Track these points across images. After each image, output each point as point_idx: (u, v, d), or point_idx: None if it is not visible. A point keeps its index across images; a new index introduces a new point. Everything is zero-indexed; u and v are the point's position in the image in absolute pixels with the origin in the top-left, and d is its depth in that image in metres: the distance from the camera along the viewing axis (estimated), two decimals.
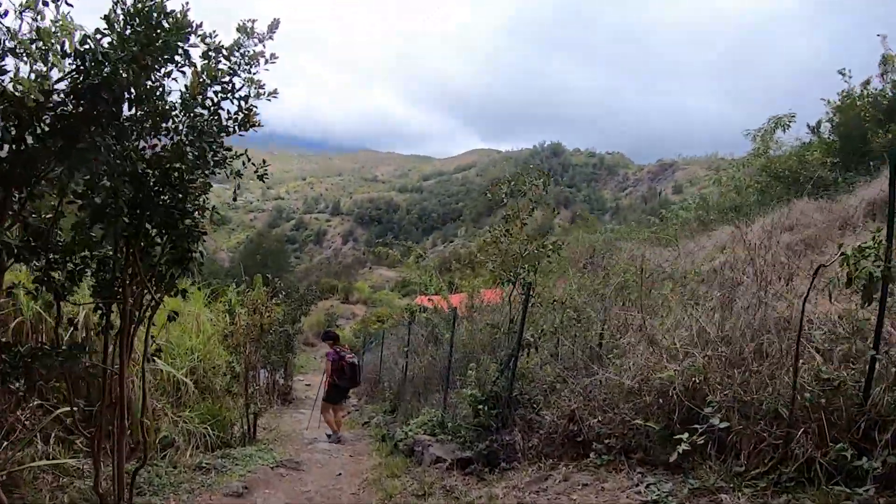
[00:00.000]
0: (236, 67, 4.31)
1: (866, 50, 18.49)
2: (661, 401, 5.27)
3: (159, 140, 4.27)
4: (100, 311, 4.60)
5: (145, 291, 4.67)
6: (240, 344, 10.89)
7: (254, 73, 4.39)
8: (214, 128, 4.40)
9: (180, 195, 4.43)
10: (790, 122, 17.87)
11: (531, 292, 7.88)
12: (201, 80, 4.17)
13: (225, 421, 9.82)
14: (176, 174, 4.37)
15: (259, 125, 4.59)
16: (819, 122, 17.99)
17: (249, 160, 4.86)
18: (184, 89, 4.22)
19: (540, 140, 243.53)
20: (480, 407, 7.34)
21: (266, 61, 4.37)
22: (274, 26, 4.39)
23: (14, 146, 3.54)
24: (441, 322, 12.73)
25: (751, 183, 17.22)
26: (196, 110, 4.32)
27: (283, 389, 20.04)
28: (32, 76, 3.42)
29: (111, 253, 4.53)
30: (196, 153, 4.31)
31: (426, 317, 14.15)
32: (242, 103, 4.43)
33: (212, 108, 4.40)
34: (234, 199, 5.46)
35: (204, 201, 4.73)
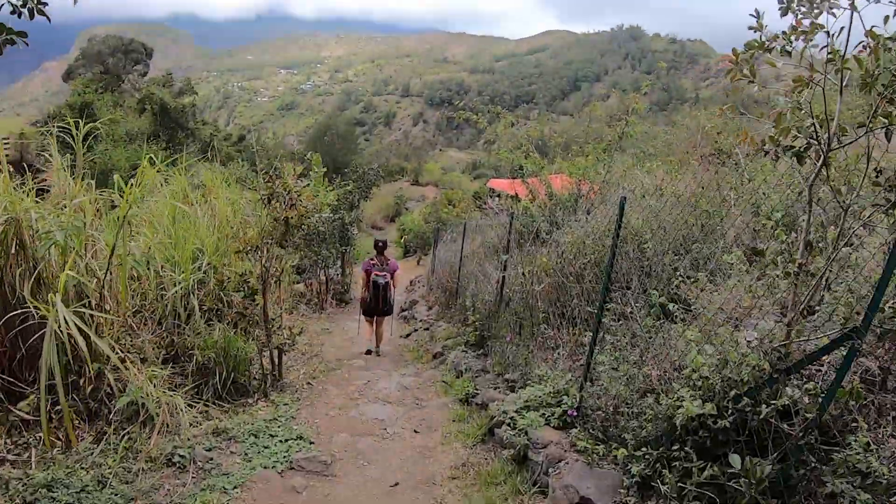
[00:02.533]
0: None
1: None
2: None
3: None
4: None
5: None
6: (255, 248, 7.31)
7: None
8: None
9: None
10: None
11: None
12: None
13: (240, 359, 7.02)
14: None
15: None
16: None
17: None
18: None
19: (618, 22, 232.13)
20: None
21: None
22: None
23: None
24: (549, 214, 8.82)
25: None
26: None
27: (338, 288, 16.73)
28: None
29: None
30: None
31: (526, 206, 10.21)
32: None
33: None
34: None
35: None
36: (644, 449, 3.95)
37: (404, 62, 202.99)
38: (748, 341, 3.66)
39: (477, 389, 6.83)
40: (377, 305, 10.02)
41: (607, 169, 9.70)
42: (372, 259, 10.14)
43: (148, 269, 6.95)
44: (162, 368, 6.26)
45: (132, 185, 6.12)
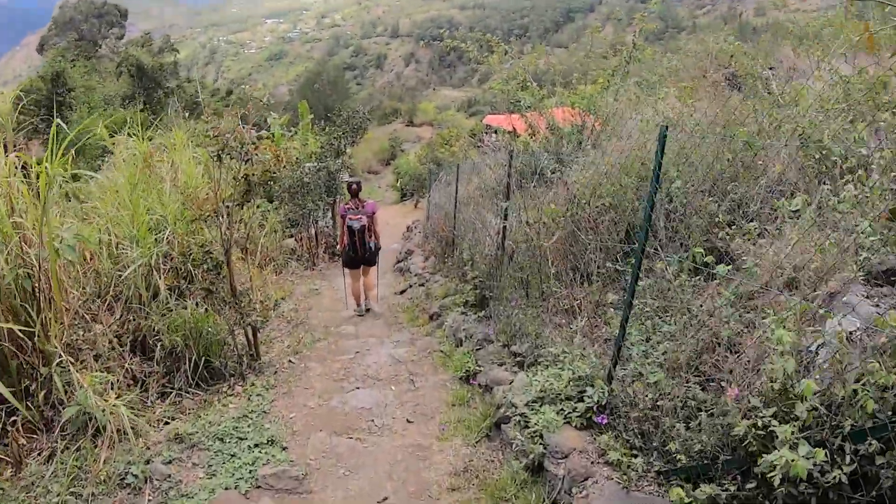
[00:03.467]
0: None
1: None
2: None
3: None
4: None
5: None
6: (214, 213, 6.28)
7: None
8: None
9: None
10: None
11: None
12: None
13: (211, 340, 6.27)
14: None
15: None
16: None
17: None
18: None
19: None
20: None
21: None
22: None
23: None
24: (555, 149, 7.68)
25: None
26: None
27: (330, 241, 15.66)
28: None
29: None
30: None
31: (526, 142, 9.08)
32: None
33: None
34: None
35: None
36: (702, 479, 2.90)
37: (392, 2, 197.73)
38: (848, 335, 2.56)
39: (479, 366, 5.78)
40: (356, 253, 9.33)
41: (615, 97, 8.57)
42: (347, 203, 9.42)
43: (100, 246, 6.06)
44: (121, 362, 5.45)
45: (50, 155, 5.07)
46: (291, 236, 15.00)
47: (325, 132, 16.90)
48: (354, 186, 9.45)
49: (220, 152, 5.92)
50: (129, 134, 7.80)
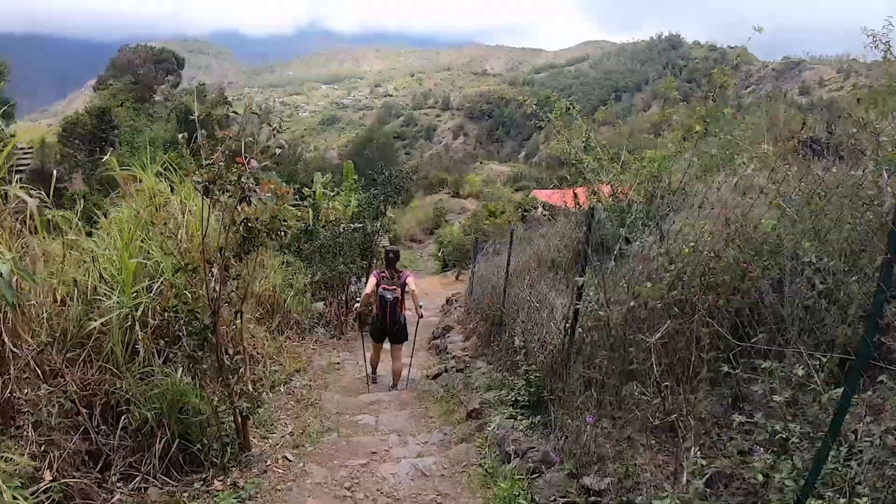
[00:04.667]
0: None
1: None
2: None
3: None
4: None
5: None
6: (205, 263, 4.97)
7: None
8: None
9: None
10: None
11: None
12: None
13: (191, 420, 5.05)
14: None
15: None
16: None
17: None
18: None
19: (657, 31, 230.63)
20: None
21: None
22: None
23: None
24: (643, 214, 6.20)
25: None
26: None
27: (358, 302, 14.25)
28: None
29: None
30: None
31: (609, 205, 7.64)
32: None
33: None
34: None
35: None
36: None
37: (444, 76, 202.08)
38: None
39: (536, 501, 4.15)
40: (384, 325, 8.65)
41: (689, 163, 7.30)
42: (382, 271, 8.76)
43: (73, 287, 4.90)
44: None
45: None
46: (322, 299, 13.68)
47: (364, 190, 15.74)
48: (391, 255, 8.89)
49: (210, 185, 4.58)
50: (158, 174, 6.76)
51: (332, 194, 18.24)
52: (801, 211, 4.12)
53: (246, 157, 4.68)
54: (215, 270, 4.87)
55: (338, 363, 9.95)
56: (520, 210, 29.42)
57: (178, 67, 50.97)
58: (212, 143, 4.70)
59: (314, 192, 18.48)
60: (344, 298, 13.82)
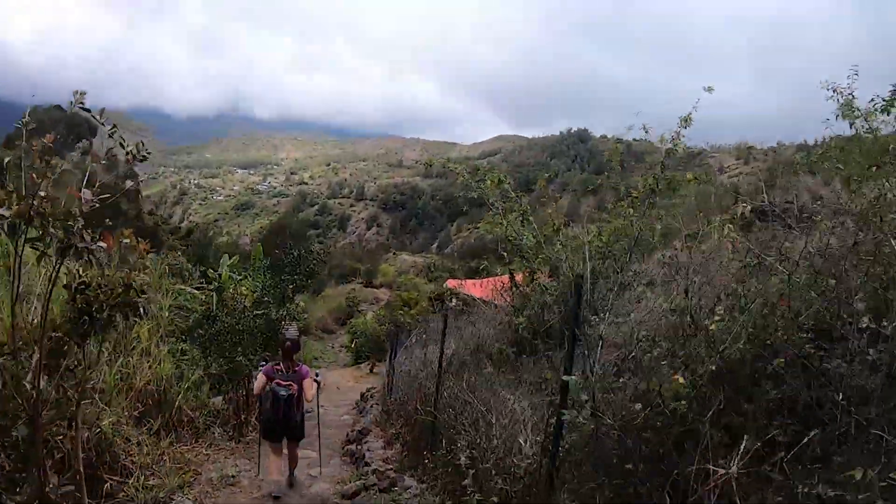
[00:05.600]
0: None
1: None
2: None
3: None
4: None
5: None
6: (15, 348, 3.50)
7: None
8: None
9: None
10: None
11: None
12: None
13: None
14: None
15: None
16: None
17: None
18: None
19: (567, 126, 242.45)
20: None
21: None
22: None
23: None
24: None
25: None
26: None
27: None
28: None
29: None
30: None
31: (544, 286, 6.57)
32: None
33: None
34: None
35: None
36: None
37: (360, 166, 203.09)
38: None
39: None
40: (279, 426, 7.71)
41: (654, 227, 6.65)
42: (276, 364, 7.84)
43: None
44: None
45: None
46: (225, 392, 11.89)
47: (270, 272, 14.14)
48: (289, 344, 7.89)
49: (21, 222, 3.17)
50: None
51: (239, 278, 16.69)
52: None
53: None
54: (36, 358, 3.41)
55: (232, 476, 8.19)
56: (433, 301, 28.57)
57: (91, 135, 48.83)
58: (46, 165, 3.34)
59: (220, 275, 16.91)
60: (244, 394, 12.08)
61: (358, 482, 7.46)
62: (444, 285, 37.81)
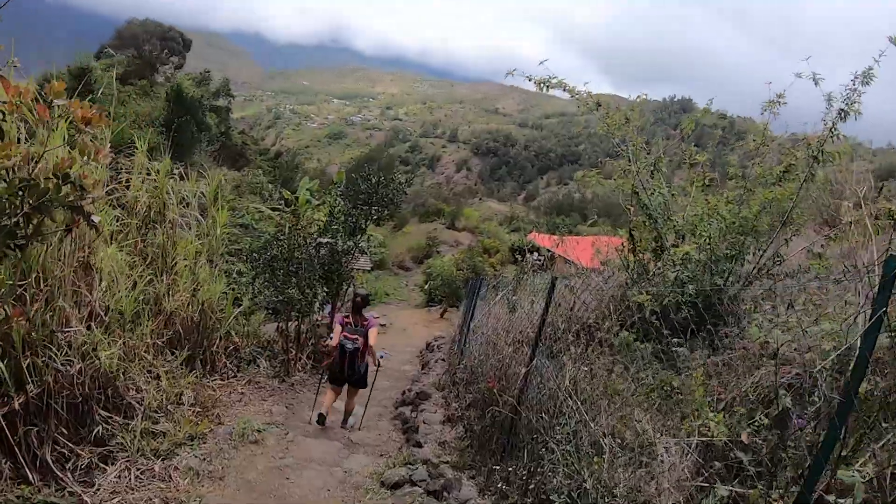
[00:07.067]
0: None
1: None
2: None
3: None
4: None
5: None
6: None
7: None
8: None
9: None
10: None
11: None
12: None
13: None
14: None
15: None
16: None
17: None
18: None
19: (670, 94, 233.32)
20: None
21: None
22: None
23: None
24: None
25: None
26: None
27: (324, 344, 10.86)
28: None
29: None
30: None
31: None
32: None
33: None
34: None
35: None
36: None
37: (455, 108, 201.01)
38: None
39: None
40: (342, 374, 8.05)
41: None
42: (346, 316, 8.11)
43: None
44: None
45: None
46: (286, 319, 10.71)
47: (342, 198, 12.50)
48: (359, 300, 8.19)
49: None
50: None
51: (317, 202, 15.47)
52: None
53: None
54: None
55: (259, 431, 6.72)
56: (515, 253, 26.83)
57: (185, 49, 48.42)
58: None
59: (297, 198, 15.69)
60: (297, 331, 10.71)
61: (403, 470, 5.74)
62: (525, 238, 35.98)
